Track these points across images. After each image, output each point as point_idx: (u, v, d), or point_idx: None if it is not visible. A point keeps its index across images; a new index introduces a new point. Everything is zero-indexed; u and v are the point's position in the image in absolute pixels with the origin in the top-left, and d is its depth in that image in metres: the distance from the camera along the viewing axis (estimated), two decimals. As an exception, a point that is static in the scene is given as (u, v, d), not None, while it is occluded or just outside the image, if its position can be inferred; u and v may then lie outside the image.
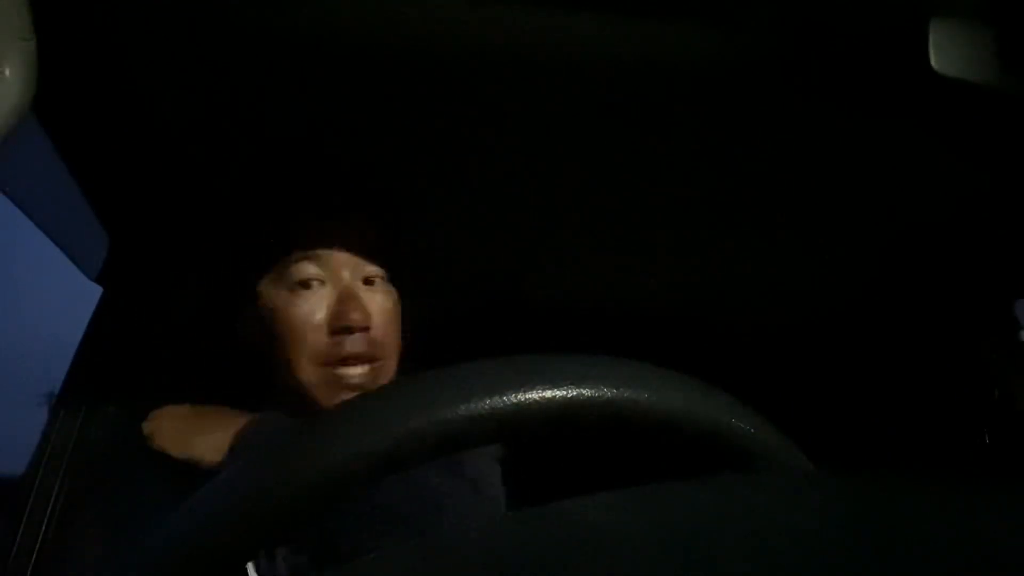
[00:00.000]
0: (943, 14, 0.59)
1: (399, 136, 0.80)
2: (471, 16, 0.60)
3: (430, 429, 0.31)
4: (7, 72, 0.47)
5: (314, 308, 0.77)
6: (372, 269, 0.81)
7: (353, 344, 0.77)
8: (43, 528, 0.82)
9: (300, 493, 0.30)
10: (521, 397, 0.32)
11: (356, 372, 0.77)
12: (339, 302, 0.77)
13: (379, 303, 0.80)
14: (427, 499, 0.77)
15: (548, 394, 0.32)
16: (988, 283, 1.10)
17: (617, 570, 0.22)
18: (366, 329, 0.78)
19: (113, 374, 0.94)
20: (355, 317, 0.77)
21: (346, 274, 0.79)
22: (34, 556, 0.81)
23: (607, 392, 0.33)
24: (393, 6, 0.60)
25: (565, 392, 0.33)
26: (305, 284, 0.78)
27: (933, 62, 0.59)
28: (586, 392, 0.33)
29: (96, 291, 1.08)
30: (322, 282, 0.78)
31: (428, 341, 0.79)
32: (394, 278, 0.84)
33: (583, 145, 0.81)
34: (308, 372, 0.77)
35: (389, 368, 0.81)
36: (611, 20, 0.61)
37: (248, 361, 0.83)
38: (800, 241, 1.01)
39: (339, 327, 0.77)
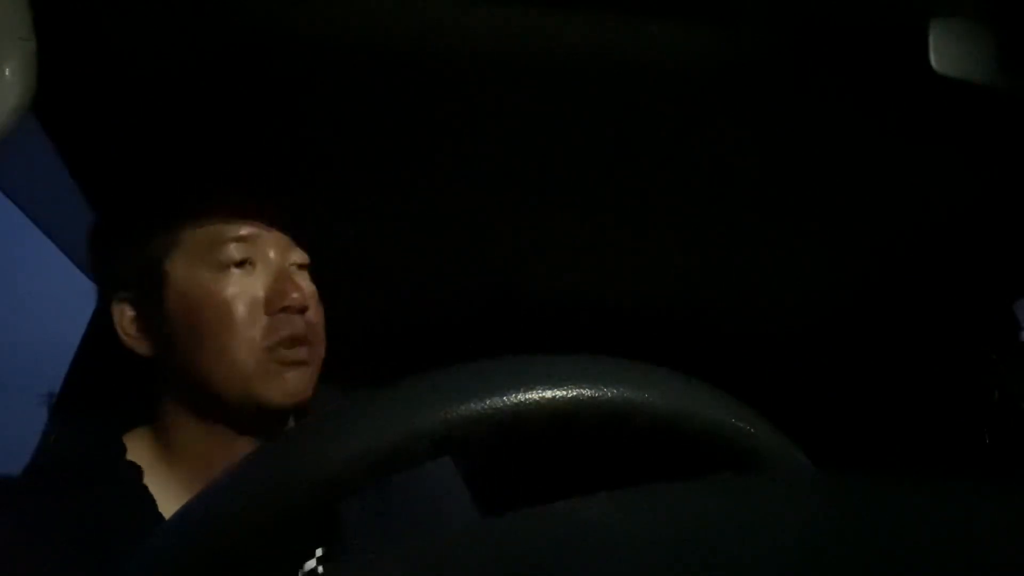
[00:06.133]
0: (943, 14, 0.59)
1: (399, 136, 0.80)
2: (468, 15, 0.60)
3: (431, 429, 0.31)
4: (7, 72, 0.47)
5: (248, 288, 0.73)
6: (299, 255, 0.77)
7: (293, 325, 0.73)
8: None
9: (302, 492, 0.30)
10: (522, 397, 0.32)
11: (298, 353, 0.73)
12: (276, 282, 0.74)
13: (310, 287, 0.77)
14: (425, 500, 0.77)
15: (549, 394, 0.33)
16: (988, 284, 1.10)
17: (617, 570, 0.22)
18: (305, 310, 0.74)
19: (113, 374, 0.94)
20: (296, 296, 0.73)
21: (275, 256, 0.75)
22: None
23: (608, 392, 0.33)
24: (394, 6, 0.60)
25: (566, 392, 0.33)
26: (236, 265, 0.73)
27: (933, 62, 0.59)
28: (587, 392, 0.33)
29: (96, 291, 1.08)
30: (252, 263, 0.74)
31: (428, 341, 0.79)
32: (319, 270, 0.80)
33: (583, 145, 0.81)
34: (245, 357, 0.71)
35: (321, 355, 0.77)
36: (609, 20, 0.61)
37: (129, 365, 0.77)
38: (800, 241, 1.01)
39: (279, 307, 0.73)
